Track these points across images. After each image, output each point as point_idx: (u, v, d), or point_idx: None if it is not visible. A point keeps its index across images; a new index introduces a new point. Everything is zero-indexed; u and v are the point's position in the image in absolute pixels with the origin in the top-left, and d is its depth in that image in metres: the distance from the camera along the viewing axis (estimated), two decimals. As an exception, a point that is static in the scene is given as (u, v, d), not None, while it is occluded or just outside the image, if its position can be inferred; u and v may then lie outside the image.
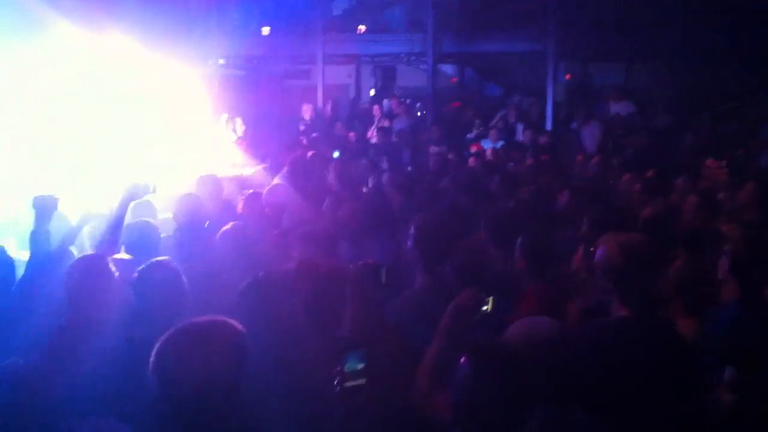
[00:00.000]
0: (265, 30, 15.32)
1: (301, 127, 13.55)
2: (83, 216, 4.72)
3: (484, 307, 2.97)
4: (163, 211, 6.14)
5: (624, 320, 3.05)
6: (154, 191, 4.96)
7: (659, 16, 12.92)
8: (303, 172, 8.22)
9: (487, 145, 11.84)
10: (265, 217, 6.48)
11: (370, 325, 2.97)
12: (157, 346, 2.05)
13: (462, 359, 2.32)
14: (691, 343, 3.28)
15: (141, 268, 3.64)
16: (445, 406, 2.53)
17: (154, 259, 3.77)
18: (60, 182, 6.36)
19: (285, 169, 8.52)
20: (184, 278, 3.68)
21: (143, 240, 4.86)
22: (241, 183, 8.23)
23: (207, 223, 5.65)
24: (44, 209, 4.27)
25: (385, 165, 9.64)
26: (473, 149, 11.07)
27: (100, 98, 8.05)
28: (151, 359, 2.03)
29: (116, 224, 4.37)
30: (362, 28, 15.31)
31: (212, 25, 14.43)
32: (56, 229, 4.46)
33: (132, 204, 4.83)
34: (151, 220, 5.34)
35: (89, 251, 4.78)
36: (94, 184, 6.70)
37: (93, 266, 3.77)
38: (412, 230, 4.06)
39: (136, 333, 3.34)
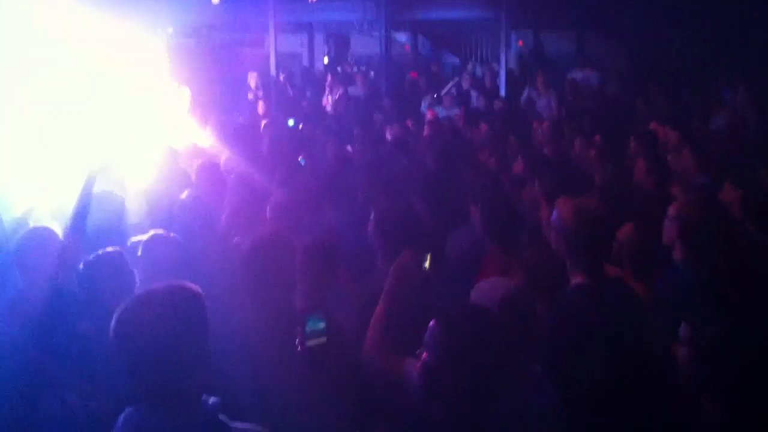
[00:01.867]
0: (215, -3, 15.00)
1: (250, 96, 13.36)
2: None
3: (426, 264, 3.10)
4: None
5: (584, 288, 3.06)
6: (109, 168, 4.87)
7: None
8: (255, 140, 8.17)
9: (442, 113, 11.85)
10: (223, 186, 6.42)
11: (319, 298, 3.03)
12: (116, 315, 2.02)
13: (432, 322, 2.34)
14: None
15: (87, 259, 3.56)
16: (396, 365, 2.61)
17: (102, 250, 3.67)
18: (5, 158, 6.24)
19: (237, 137, 8.46)
20: (134, 270, 3.63)
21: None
22: (194, 152, 8.14)
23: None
24: None
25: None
26: (428, 115, 11.06)
27: (46, 67, 7.81)
28: (112, 328, 2.00)
29: (81, 209, 4.26)
30: (314, -6, 15.10)
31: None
32: None
33: (97, 197, 4.73)
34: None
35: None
36: (45, 158, 6.55)
37: (41, 236, 3.72)
38: (372, 217, 3.97)
39: (80, 326, 3.30)
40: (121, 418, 2.00)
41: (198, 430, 1.98)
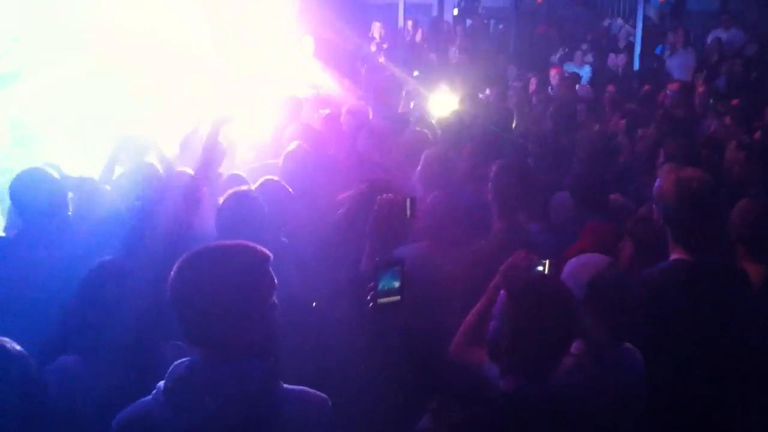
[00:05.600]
0: (346, -55, 14.94)
1: (373, 47, 13.33)
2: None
3: (539, 268, 2.88)
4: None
5: (679, 264, 2.89)
6: (235, 119, 4.98)
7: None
8: (380, 93, 8.18)
9: (571, 69, 11.48)
10: (342, 136, 6.50)
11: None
12: (179, 260, 2.03)
13: (502, 292, 2.32)
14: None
15: (223, 199, 3.61)
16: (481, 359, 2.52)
17: (235, 190, 3.68)
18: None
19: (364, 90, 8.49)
20: (266, 211, 3.62)
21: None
22: (319, 103, 8.23)
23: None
24: None
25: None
26: (553, 72, 10.72)
27: (174, 18, 8.01)
28: (173, 273, 2.01)
29: (207, 158, 4.29)
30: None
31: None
32: None
33: None
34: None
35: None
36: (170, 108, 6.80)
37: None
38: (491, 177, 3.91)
39: None
40: (171, 366, 2.03)
41: (245, 387, 1.97)
